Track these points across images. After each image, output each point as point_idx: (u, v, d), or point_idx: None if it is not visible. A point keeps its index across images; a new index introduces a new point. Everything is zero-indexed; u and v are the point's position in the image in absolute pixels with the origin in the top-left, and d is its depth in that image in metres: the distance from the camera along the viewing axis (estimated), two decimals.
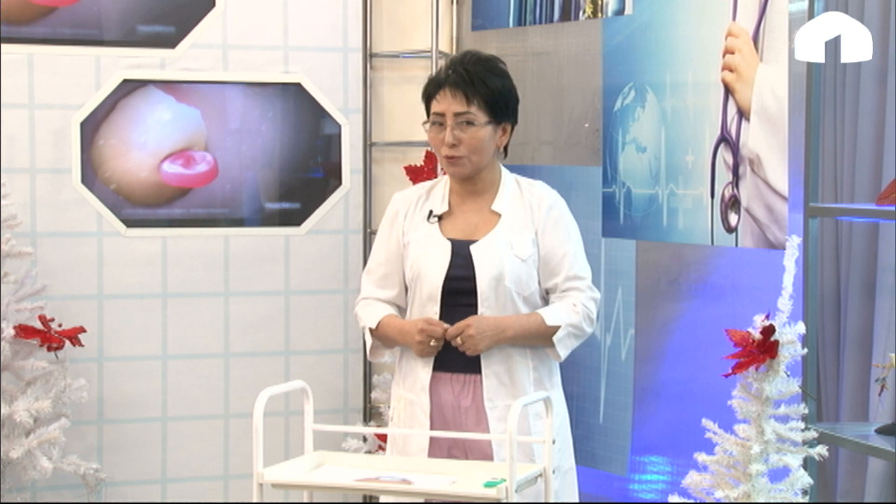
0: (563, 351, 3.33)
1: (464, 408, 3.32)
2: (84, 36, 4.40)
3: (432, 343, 3.27)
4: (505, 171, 3.44)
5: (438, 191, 3.45)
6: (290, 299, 4.63)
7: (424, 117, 4.67)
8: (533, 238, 3.35)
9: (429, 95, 3.38)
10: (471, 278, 3.31)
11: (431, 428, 3.31)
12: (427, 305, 3.33)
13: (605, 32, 4.20)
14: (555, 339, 3.30)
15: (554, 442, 2.87)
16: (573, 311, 3.32)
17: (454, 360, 3.31)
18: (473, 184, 3.39)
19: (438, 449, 3.32)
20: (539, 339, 3.32)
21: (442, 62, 4.72)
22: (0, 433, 4.07)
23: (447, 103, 3.33)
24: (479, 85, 3.33)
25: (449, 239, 3.36)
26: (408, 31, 4.79)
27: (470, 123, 3.33)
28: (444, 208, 3.41)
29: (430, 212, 3.41)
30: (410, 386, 3.37)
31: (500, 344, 3.28)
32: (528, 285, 3.34)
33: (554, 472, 3.29)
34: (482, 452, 3.30)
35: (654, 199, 4.02)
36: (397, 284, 3.43)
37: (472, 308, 3.31)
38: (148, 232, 4.49)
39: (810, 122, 3.34)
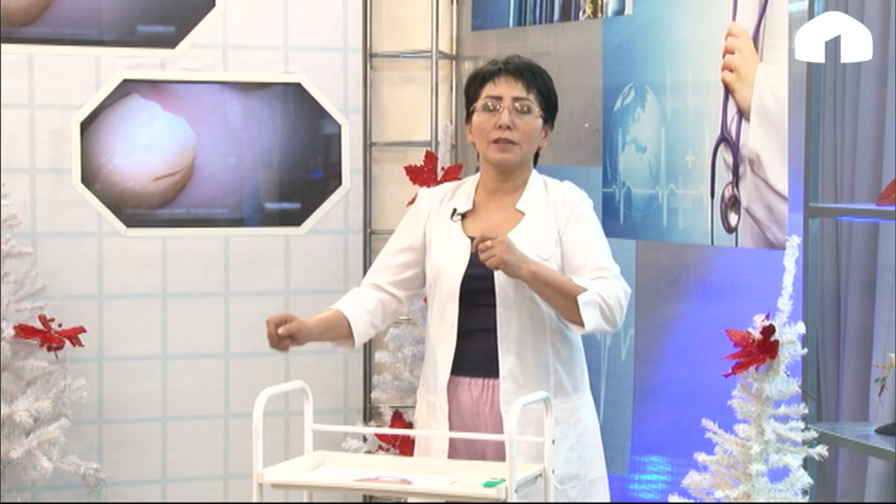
0: (588, 318, 3.11)
1: (483, 414, 3.26)
2: (84, 36, 4.41)
3: (280, 333, 3.16)
4: (534, 172, 3.37)
5: (464, 190, 3.39)
6: (290, 299, 4.63)
7: (424, 117, 4.64)
8: (556, 237, 3.27)
9: (482, 81, 3.31)
10: (490, 277, 3.23)
11: (451, 430, 3.26)
12: (447, 304, 3.27)
13: (605, 32, 4.21)
14: (580, 299, 3.11)
15: (554, 442, 2.87)
16: (605, 287, 3.16)
17: (473, 364, 3.26)
18: (505, 180, 3.33)
19: (455, 452, 3.27)
20: (562, 296, 3.13)
21: (442, 62, 4.74)
22: (0, 433, 4.07)
23: (506, 87, 3.28)
24: (537, 78, 3.31)
25: (470, 237, 3.29)
26: (408, 31, 4.79)
27: (527, 111, 3.28)
28: (468, 206, 3.35)
29: (454, 210, 3.36)
30: (432, 388, 3.32)
31: (521, 274, 3.11)
32: None
33: (570, 479, 3.26)
34: (500, 457, 3.24)
35: (654, 199, 4.03)
36: (392, 273, 3.38)
37: (490, 308, 3.23)
38: (148, 232, 4.49)
39: (810, 122, 3.34)
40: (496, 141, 3.28)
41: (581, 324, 3.14)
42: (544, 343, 3.26)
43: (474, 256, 3.26)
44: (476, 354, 3.26)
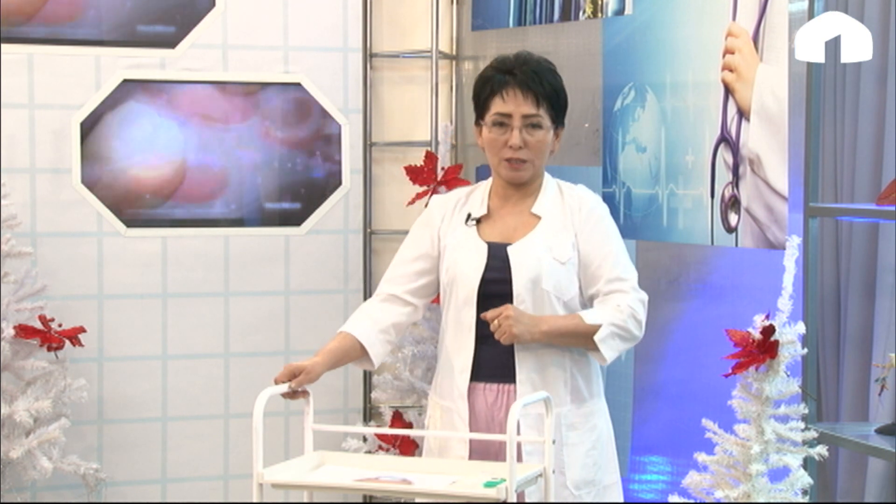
0: (609, 352, 3.17)
1: (497, 420, 3.25)
2: (84, 36, 4.40)
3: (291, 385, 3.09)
4: (547, 175, 3.36)
5: (478, 194, 3.37)
6: (290, 299, 4.63)
7: (424, 117, 4.61)
8: (573, 241, 3.26)
9: (491, 92, 3.27)
10: (507, 281, 3.22)
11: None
12: (464, 309, 3.26)
13: (605, 32, 4.21)
14: (597, 338, 3.15)
15: (554, 442, 2.87)
16: (616, 310, 3.18)
17: (489, 370, 3.25)
18: (519, 187, 3.32)
19: (469, 458, 3.26)
20: (579, 338, 3.18)
21: (442, 62, 4.74)
22: (0, 433, 4.07)
23: (516, 104, 3.24)
24: (546, 86, 3.27)
25: (486, 242, 3.29)
26: (408, 31, 4.79)
27: (537, 127, 3.25)
28: (483, 211, 3.33)
29: (469, 215, 3.34)
30: (447, 393, 3.30)
31: (535, 338, 3.15)
32: (568, 289, 3.24)
33: (586, 484, 3.26)
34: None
35: (654, 199, 4.03)
36: (408, 282, 3.36)
37: None
38: (148, 232, 4.49)
39: (810, 122, 3.34)
40: (507, 160, 3.26)
41: (602, 356, 3.18)
42: (561, 349, 3.25)
43: (491, 261, 3.25)
44: (492, 360, 3.24)
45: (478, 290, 3.24)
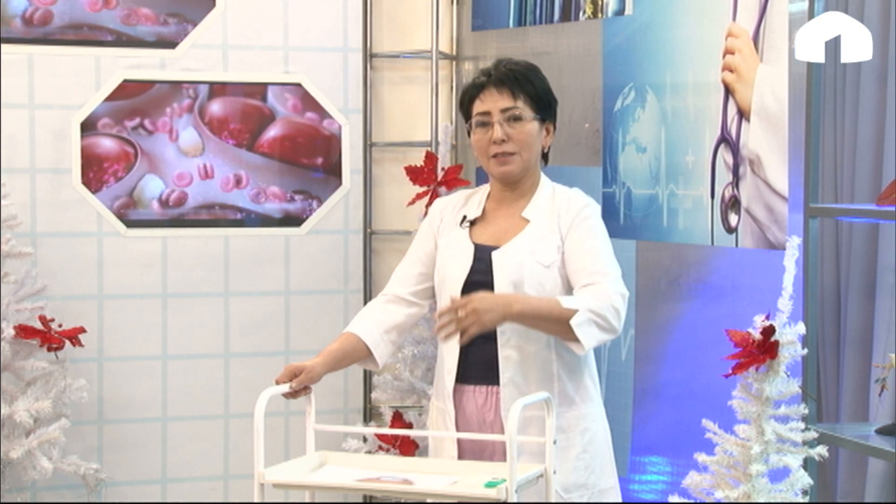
0: (586, 338, 3.07)
1: (488, 422, 3.25)
2: (84, 36, 4.41)
3: (292, 385, 3.12)
4: (544, 178, 3.36)
5: (476, 197, 3.39)
6: (290, 299, 4.63)
7: (424, 117, 4.62)
8: (558, 244, 3.25)
9: (470, 98, 3.31)
10: (490, 284, 3.21)
11: (459, 439, 3.23)
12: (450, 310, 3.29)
13: (605, 33, 4.21)
14: (573, 322, 3.04)
15: (555, 442, 2.87)
16: (594, 297, 3.11)
17: (475, 371, 3.24)
18: (514, 188, 3.32)
19: (463, 459, 3.27)
20: (554, 322, 3.09)
21: (442, 62, 4.74)
22: (0, 433, 4.07)
23: (493, 101, 3.27)
24: (523, 82, 3.28)
25: (475, 244, 3.29)
26: (408, 31, 4.79)
27: (518, 119, 3.26)
28: (478, 213, 3.35)
29: (464, 217, 3.36)
30: (440, 394, 3.32)
31: (508, 318, 3.07)
32: (552, 293, 3.21)
33: (577, 488, 3.25)
34: None
35: (654, 199, 4.03)
36: (413, 283, 3.38)
37: None
38: (148, 232, 4.49)
39: (810, 122, 3.34)
40: (494, 156, 3.28)
41: (581, 344, 3.11)
42: (548, 351, 3.23)
43: (476, 263, 3.26)
44: (478, 362, 3.24)
45: (461, 293, 3.24)
